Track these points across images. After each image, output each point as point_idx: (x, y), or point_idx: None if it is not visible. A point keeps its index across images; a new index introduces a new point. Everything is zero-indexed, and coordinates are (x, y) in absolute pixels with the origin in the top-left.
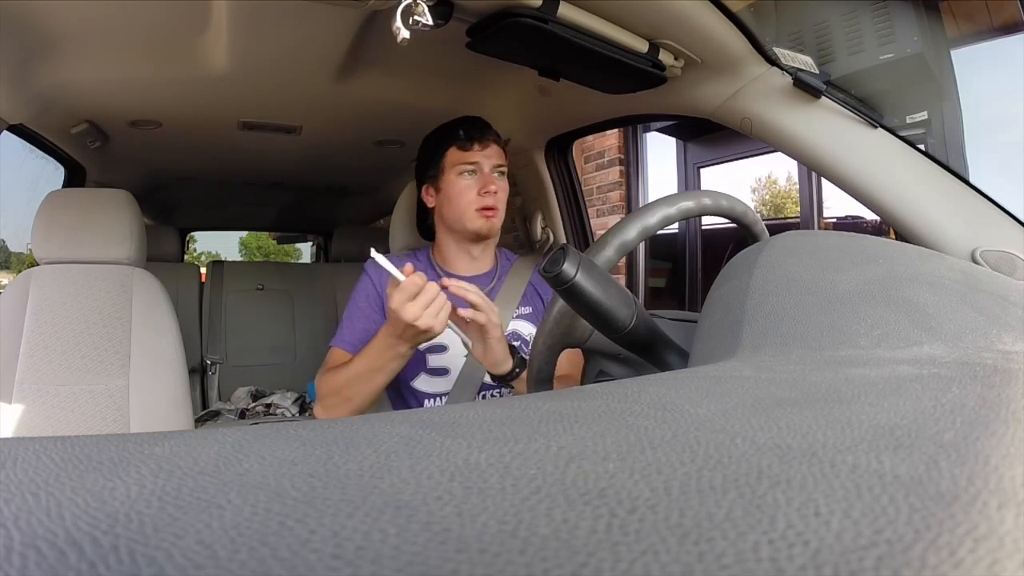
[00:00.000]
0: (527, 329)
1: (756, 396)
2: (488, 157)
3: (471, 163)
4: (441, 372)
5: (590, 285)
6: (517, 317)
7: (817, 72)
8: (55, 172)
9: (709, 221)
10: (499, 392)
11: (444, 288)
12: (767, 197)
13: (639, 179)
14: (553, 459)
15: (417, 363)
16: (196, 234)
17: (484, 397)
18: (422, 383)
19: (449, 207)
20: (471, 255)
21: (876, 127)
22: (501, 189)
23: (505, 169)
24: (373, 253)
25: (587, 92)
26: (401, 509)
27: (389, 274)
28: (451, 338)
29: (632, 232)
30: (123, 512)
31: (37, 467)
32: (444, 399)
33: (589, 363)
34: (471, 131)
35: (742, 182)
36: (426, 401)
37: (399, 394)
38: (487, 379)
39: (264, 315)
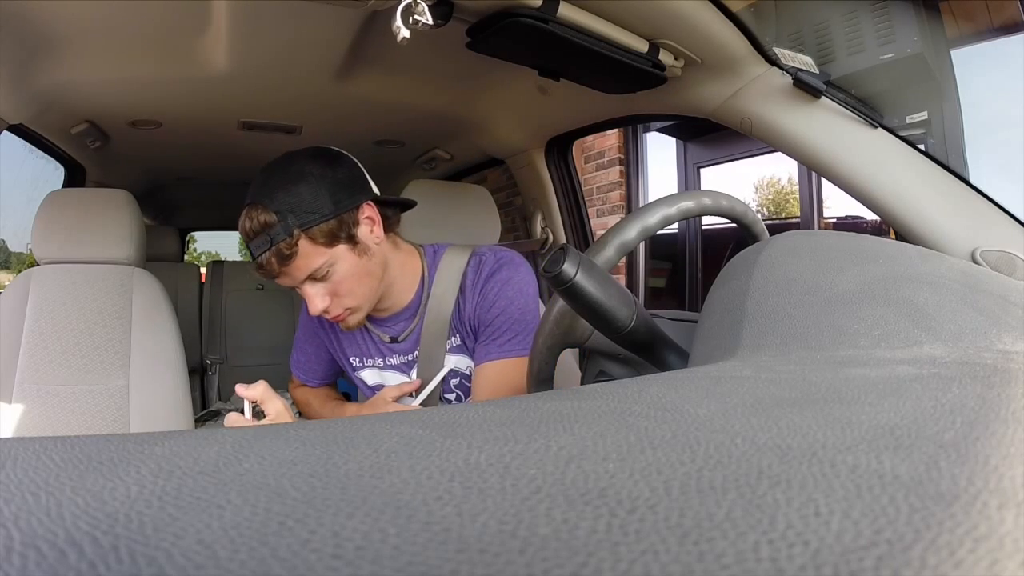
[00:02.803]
0: (463, 363)
1: (756, 396)
2: (291, 277)
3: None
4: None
5: (590, 285)
6: (449, 351)
7: (817, 72)
8: (55, 172)
9: (709, 221)
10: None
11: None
12: (772, 195)
13: (639, 179)
14: (553, 459)
15: (371, 395)
16: (196, 234)
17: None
18: None
19: None
20: (380, 308)
21: (876, 127)
22: (334, 293)
23: (326, 268)
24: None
25: (587, 92)
26: (401, 509)
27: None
28: (390, 379)
29: (632, 232)
30: (123, 512)
31: (37, 467)
32: None
33: (589, 363)
34: (257, 263)
35: (742, 182)
36: None
37: None
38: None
39: (264, 315)
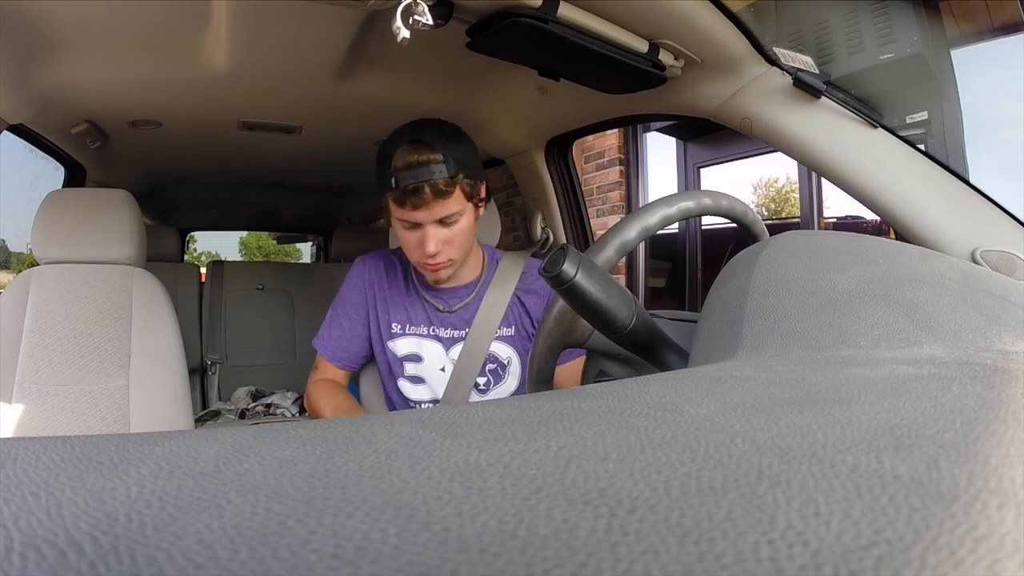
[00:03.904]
0: (505, 353)
1: (756, 396)
2: (430, 212)
3: (407, 221)
4: (418, 381)
5: (590, 285)
6: (498, 339)
7: (817, 72)
8: (55, 172)
9: (709, 221)
10: None
11: None
12: (771, 195)
13: (639, 179)
14: (553, 459)
15: (397, 368)
16: (196, 234)
17: None
18: (403, 386)
19: (401, 245)
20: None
21: (876, 127)
22: (448, 241)
23: (457, 217)
24: None
25: (587, 92)
26: (401, 509)
27: (384, 274)
28: (427, 350)
29: (632, 232)
30: (123, 512)
31: (37, 467)
32: (432, 405)
33: (589, 363)
34: (406, 188)
35: (742, 182)
36: (415, 405)
37: (389, 394)
38: (474, 398)
39: (264, 315)
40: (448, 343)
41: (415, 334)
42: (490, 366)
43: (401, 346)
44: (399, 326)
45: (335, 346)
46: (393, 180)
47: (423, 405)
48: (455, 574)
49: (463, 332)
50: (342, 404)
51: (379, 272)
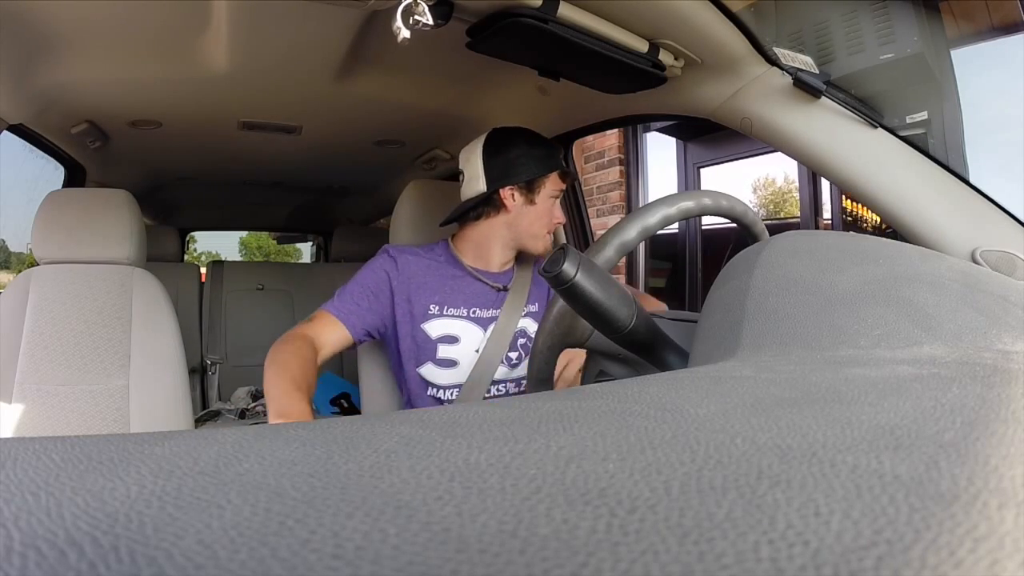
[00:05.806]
0: (532, 327)
1: (756, 396)
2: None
3: (562, 191)
4: (449, 364)
5: (590, 285)
6: (525, 315)
7: (817, 72)
8: (55, 172)
9: (709, 221)
10: (507, 385)
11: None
12: (771, 195)
13: (639, 179)
14: (553, 459)
15: (427, 351)
16: (196, 234)
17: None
18: (429, 372)
19: (529, 221)
20: (506, 260)
21: (876, 127)
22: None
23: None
24: None
25: (587, 92)
26: (401, 509)
27: (413, 265)
28: (463, 330)
29: (632, 232)
30: (123, 512)
31: (37, 467)
32: (455, 391)
33: (589, 363)
34: (568, 168)
35: (742, 182)
36: (435, 391)
37: (407, 380)
38: (498, 375)
39: (264, 315)
40: (485, 324)
41: (454, 316)
42: (520, 340)
43: (436, 327)
44: (436, 307)
45: (348, 310)
46: (562, 160)
47: (446, 391)
48: (455, 574)
49: (498, 311)
50: (296, 380)
51: (411, 263)
